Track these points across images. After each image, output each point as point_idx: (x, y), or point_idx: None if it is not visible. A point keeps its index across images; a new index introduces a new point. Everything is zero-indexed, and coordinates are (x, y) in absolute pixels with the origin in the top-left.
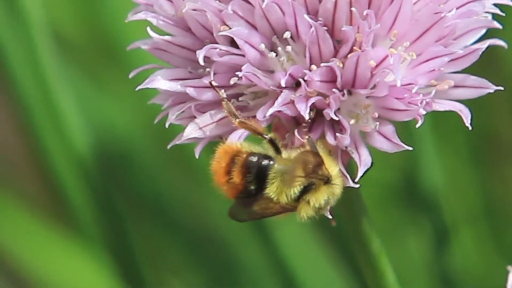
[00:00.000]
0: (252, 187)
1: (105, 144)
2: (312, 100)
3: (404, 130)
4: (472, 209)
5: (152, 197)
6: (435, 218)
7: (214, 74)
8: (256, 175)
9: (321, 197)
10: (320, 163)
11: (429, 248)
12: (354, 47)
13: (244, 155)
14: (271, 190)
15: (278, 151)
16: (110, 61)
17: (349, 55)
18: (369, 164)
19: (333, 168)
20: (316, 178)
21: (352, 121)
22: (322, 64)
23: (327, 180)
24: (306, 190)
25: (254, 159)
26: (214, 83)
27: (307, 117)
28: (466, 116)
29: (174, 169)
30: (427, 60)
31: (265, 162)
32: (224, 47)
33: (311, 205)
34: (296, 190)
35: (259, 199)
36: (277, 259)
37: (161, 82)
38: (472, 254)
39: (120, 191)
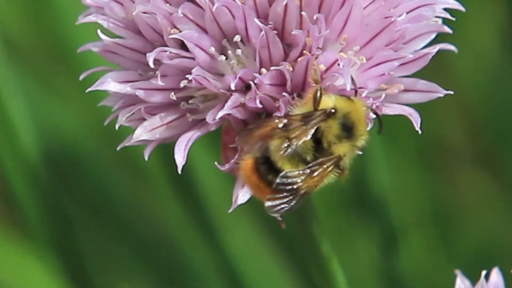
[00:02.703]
0: (270, 177)
1: (54, 147)
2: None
3: None
4: (420, 213)
5: (101, 200)
6: (384, 222)
7: (164, 76)
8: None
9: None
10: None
11: (378, 251)
12: (304, 51)
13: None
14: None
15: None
16: (59, 64)
17: (299, 59)
18: None
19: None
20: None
21: None
22: (272, 68)
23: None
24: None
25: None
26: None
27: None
28: (416, 120)
29: (124, 171)
30: (377, 64)
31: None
32: (174, 50)
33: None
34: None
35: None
36: (227, 262)
37: (111, 84)
38: (421, 258)
39: (70, 194)
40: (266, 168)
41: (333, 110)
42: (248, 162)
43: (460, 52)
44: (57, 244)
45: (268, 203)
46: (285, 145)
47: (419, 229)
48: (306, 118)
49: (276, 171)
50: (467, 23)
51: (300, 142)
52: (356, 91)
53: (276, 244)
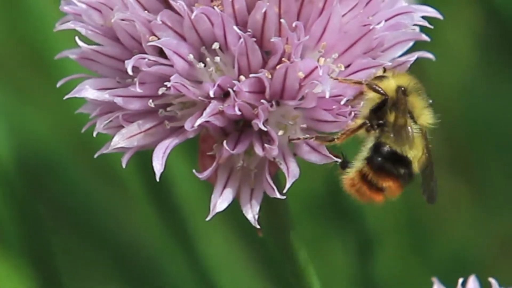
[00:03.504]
0: (402, 170)
1: (29, 155)
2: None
3: None
4: (395, 220)
5: (77, 208)
6: (359, 229)
7: (143, 83)
8: (393, 162)
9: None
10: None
11: (354, 258)
12: (283, 59)
13: (366, 166)
14: (412, 148)
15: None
16: (34, 72)
17: (277, 66)
18: (297, 176)
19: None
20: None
21: (281, 132)
22: (250, 75)
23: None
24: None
25: (376, 157)
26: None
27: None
28: None
29: (100, 180)
30: (356, 72)
31: (384, 148)
32: (152, 57)
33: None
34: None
35: (412, 162)
36: (202, 270)
37: (89, 91)
38: (396, 264)
39: (45, 201)
40: (390, 163)
41: (402, 88)
42: (352, 177)
43: (437, 59)
44: (31, 251)
45: (424, 196)
46: (404, 132)
47: (394, 236)
48: (394, 106)
49: (398, 161)
50: (443, 31)
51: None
52: (384, 69)
53: (252, 252)
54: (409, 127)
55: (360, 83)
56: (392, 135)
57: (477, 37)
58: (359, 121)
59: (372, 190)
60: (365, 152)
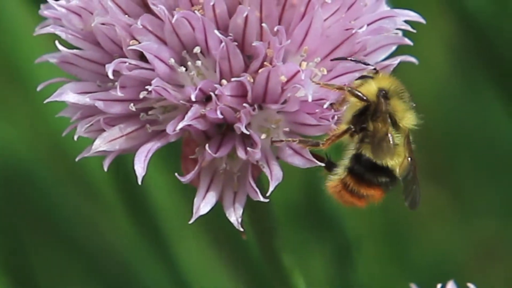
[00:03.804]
0: (383, 179)
1: (3, 163)
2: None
3: None
4: (374, 227)
5: (52, 216)
6: (338, 236)
7: (124, 87)
8: (374, 171)
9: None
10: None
11: (333, 264)
12: (265, 63)
13: (347, 175)
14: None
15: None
16: (8, 79)
17: (259, 70)
18: (281, 179)
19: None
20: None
21: (263, 136)
22: (232, 79)
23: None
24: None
25: (356, 168)
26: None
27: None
28: None
29: (75, 187)
30: (338, 76)
31: (363, 158)
32: (133, 61)
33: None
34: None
35: (394, 169)
36: (180, 278)
37: (69, 95)
38: (375, 271)
39: (20, 210)
40: (370, 173)
41: (383, 92)
42: (335, 185)
43: (413, 67)
44: (6, 259)
45: (406, 203)
46: (385, 143)
47: (373, 242)
48: (369, 114)
49: (379, 170)
50: (417, 38)
51: (392, 134)
52: (376, 69)
53: (232, 257)
54: (390, 137)
55: (342, 89)
56: (372, 146)
57: (451, 44)
58: (344, 126)
59: (354, 197)
60: (346, 160)
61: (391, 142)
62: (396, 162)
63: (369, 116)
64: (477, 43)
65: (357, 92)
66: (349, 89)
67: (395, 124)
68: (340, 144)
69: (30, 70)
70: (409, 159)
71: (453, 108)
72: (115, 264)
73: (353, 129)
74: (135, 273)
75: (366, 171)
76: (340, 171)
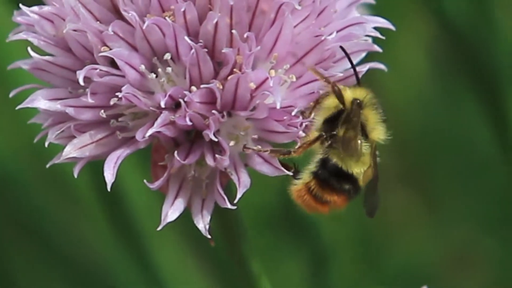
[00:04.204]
0: (347, 186)
1: None
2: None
3: None
4: (349, 232)
5: (30, 220)
6: (313, 241)
7: (94, 94)
8: (338, 177)
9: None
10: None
11: (308, 270)
12: (234, 69)
13: (312, 179)
14: (358, 165)
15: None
16: None
17: (229, 77)
18: (248, 186)
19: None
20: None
21: (232, 143)
22: (202, 86)
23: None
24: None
25: (321, 172)
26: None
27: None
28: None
29: (53, 191)
30: (307, 83)
31: (330, 163)
32: (104, 68)
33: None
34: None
35: (358, 178)
36: (154, 280)
37: (41, 101)
38: (350, 277)
39: None
40: (335, 179)
41: (358, 101)
42: (299, 189)
43: (388, 71)
44: None
45: (365, 209)
46: (353, 142)
47: (348, 248)
48: (341, 121)
49: (344, 177)
50: (395, 42)
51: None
52: (358, 78)
53: (206, 262)
54: (358, 141)
55: (328, 82)
56: (340, 149)
57: (428, 48)
58: (315, 133)
59: (318, 203)
60: (312, 165)
61: (360, 143)
62: (361, 170)
63: (340, 123)
64: (454, 46)
65: (339, 90)
66: (334, 84)
67: (364, 134)
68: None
69: (10, 74)
70: (373, 170)
71: (429, 113)
72: (94, 268)
73: (324, 136)
74: (111, 276)
75: (331, 176)
76: (305, 176)
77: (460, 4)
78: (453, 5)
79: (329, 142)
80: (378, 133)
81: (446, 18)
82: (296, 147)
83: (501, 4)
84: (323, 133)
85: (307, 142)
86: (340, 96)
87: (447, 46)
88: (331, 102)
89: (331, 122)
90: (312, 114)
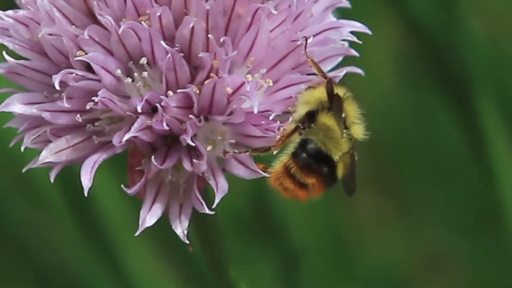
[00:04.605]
0: (325, 169)
1: None
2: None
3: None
4: (320, 235)
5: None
6: (285, 244)
7: (70, 98)
8: (317, 159)
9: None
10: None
11: (279, 273)
12: (211, 74)
13: (291, 159)
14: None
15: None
16: None
17: (205, 82)
18: (226, 191)
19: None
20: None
21: (209, 147)
22: (178, 90)
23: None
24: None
25: (301, 152)
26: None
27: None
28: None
29: (23, 197)
30: (284, 87)
31: (310, 144)
32: (80, 72)
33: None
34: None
35: (336, 163)
36: (126, 284)
37: (16, 106)
38: (322, 280)
39: None
40: (314, 160)
41: (341, 95)
42: (277, 170)
43: (358, 76)
44: None
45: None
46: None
47: (320, 251)
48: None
49: (322, 160)
50: (364, 46)
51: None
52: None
53: (181, 267)
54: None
55: (325, 76)
56: (320, 134)
57: (397, 52)
58: (292, 125)
59: (296, 185)
60: (291, 147)
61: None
62: (339, 155)
63: (322, 112)
64: (423, 49)
65: (332, 85)
66: (330, 79)
67: (345, 126)
68: None
69: None
70: (351, 161)
71: (400, 117)
72: (64, 273)
73: (301, 127)
74: (83, 282)
75: (309, 157)
76: (284, 157)
77: (429, 7)
78: (422, 7)
79: (307, 131)
80: (357, 129)
81: (414, 21)
82: (275, 140)
83: (469, 5)
84: (300, 124)
85: (286, 134)
86: (331, 91)
87: (415, 48)
88: (313, 96)
89: (310, 115)
90: (296, 106)
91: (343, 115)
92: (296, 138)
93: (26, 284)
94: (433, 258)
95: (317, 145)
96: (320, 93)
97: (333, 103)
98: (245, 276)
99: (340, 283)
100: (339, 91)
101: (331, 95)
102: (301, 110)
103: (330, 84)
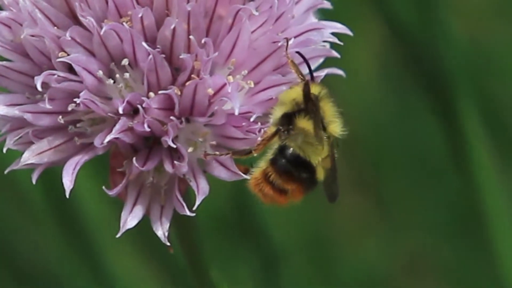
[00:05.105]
0: (304, 174)
1: None
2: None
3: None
4: (301, 238)
5: None
6: (265, 247)
7: (52, 100)
8: (296, 165)
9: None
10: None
11: (260, 275)
12: (192, 75)
13: (269, 166)
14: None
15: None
16: None
17: (187, 83)
18: (207, 192)
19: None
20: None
21: (190, 149)
22: (160, 92)
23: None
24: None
25: (279, 159)
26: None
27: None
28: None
29: (5, 199)
30: (265, 89)
31: (288, 150)
32: (62, 74)
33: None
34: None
35: (316, 167)
36: (107, 286)
37: None
38: (302, 282)
39: None
40: (293, 166)
41: (316, 94)
42: (257, 176)
43: (340, 78)
44: None
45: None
46: (313, 138)
47: (301, 254)
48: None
49: (301, 165)
50: (346, 48)
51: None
52: (312, 76)
53: (163, 269)
54: (321, 127)
55: (303, 78)
56: (298, 139)
57: (378, 54)
58: (272, 128)
59: (275, 191)
60: (270, 153)
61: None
62: (319, 160)
63: (299, 115)
64: (404, 50)
65: (308, 87)
66: (308, 81)
67: (323, 126)
68: None
69: None
70: (332, 162)
71: (381, 119)
72: (46, 274)
73: (282, 130)
74: (65, 282)
75: (288, 163)
76: (263, 163)
77: (410, 8)
78: (403, 8)
79: (287, 135)
80: (335, 127)
81: (395, 22)
82: (256, 144)
83: (450, 6)
84: (280, 127)
85: (266, 138)
86: (308, 94)
87: (397, 50)
88: (288, 97)
89: (287, 117)
90: (274, 108)
91: (322, 119)
92: (276, 143)
93: (8, 284)
94: (414, 261)
95: (295, 152)
96: (296, 94)
97: (308, 106)
98: (226, 277)
99: (320, 285)
100: (315, 89)
101: (307, 98)
102: (277, 112)
103: (307, 87)
